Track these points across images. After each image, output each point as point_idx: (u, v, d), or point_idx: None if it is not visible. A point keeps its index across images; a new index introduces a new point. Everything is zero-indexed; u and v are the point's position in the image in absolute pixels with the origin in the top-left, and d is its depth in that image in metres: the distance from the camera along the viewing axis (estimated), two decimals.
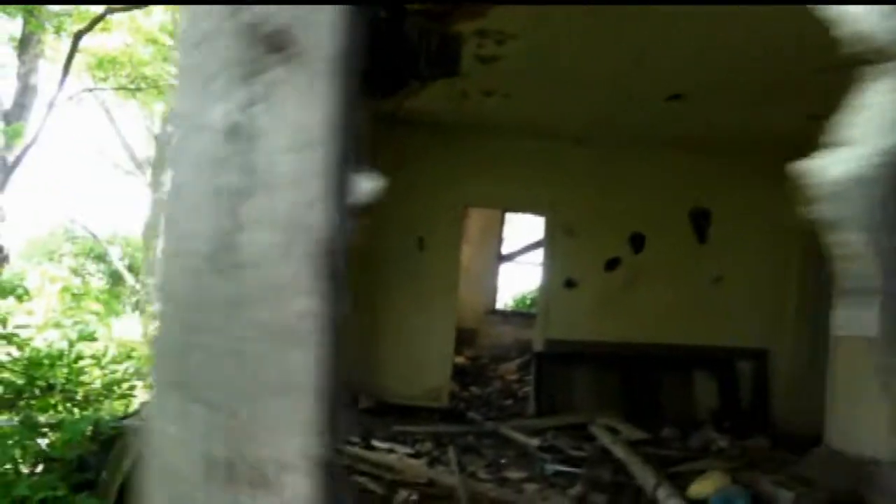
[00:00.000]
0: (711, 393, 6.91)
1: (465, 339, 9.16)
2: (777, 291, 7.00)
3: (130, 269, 13.45)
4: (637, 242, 7.04)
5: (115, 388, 4.57)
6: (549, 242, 7.10)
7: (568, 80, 5.03)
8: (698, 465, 5.04)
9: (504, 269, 10.80)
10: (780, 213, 7.04)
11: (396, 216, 6.92)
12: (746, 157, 6.98)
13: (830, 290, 6.44)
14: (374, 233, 6.91)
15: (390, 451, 4.66)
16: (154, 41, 10.07)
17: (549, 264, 7.08)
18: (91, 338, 4.49)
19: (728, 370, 6.94)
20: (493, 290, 10.63)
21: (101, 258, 13.49)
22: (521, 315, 10.72)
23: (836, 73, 4.37)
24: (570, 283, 7.02)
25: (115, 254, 13.53)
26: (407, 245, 6.96)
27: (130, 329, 8.45)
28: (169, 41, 9.54)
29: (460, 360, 8.78)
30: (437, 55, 4.69)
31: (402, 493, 3.83)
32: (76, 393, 4.53)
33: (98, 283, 13.08)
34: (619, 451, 5.17)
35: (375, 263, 6.89)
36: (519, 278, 11.21)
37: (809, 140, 4.57)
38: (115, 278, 13.11)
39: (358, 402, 6.49)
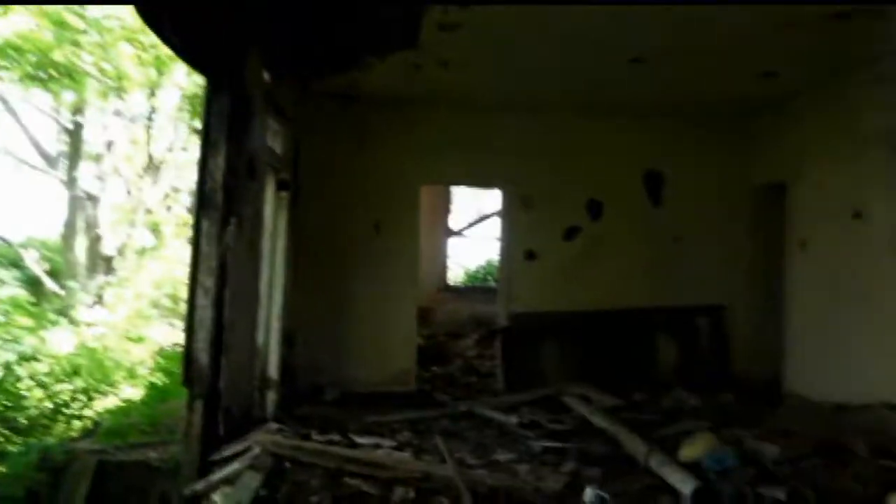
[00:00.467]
0: (674, 353, 7.02)
1: (420, 318, 8.98)
2: (732, 248, 7.15)
3: (50, 273, 12.47)
4: (594, 209, 7.01)
5: (63, 410, 4.14)
6: (508, 215, 6.97)
7: (530, 45, 4.83)
8: (680, 426, 5.07)
9: (453, 245, 10.66)
10: (731, 171, 7.23)
11: (353, 201, 6.64)
12: (697, 118, 7.05)
13: (782, 244, 6.65)
14: (332, 220, 6.60)
15: (376, 446, 4.44)
16: (62, 24, 9.13)
17: (509, 237, 6.96)
18: (32, 358, 4.03)
19: (689, 329, 7.06)
20: (443, 267, 10.47)
21: (15, 264, 12.43)
22: (475, 290, 10.64)
23: (791, 29, 4.39)
24: (530, 255, 6.94)
25: (30, 258, 12.49)
26: (365, 230, 6.67)
27: (65, 340, 7.80)
28: (80, 23, 8.70)
29: (417, 340, 8.61)
30: (397, 27, 4.40)
31: (399, 492, 3.64)
32: (18, 420, 4.08)
33: (14, 291, 12.07)
34: (601, 421, 5.15)
35: (334, 252, 6.60)
36: (468, 253, 11.10)
37: (761, 98, 4.57)
38: (34, 285, 12.12)
39: (323, 395, 6.22)
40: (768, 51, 4.93)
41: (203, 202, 3.82)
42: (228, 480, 3.54)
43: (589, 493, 3.73)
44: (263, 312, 5.40)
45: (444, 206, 10.41)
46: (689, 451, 4.28)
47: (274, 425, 4.49)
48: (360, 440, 4.58)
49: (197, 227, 3.85)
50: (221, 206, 3.79)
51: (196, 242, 3.83)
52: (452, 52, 4.97)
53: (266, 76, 4.48)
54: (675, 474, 3.88)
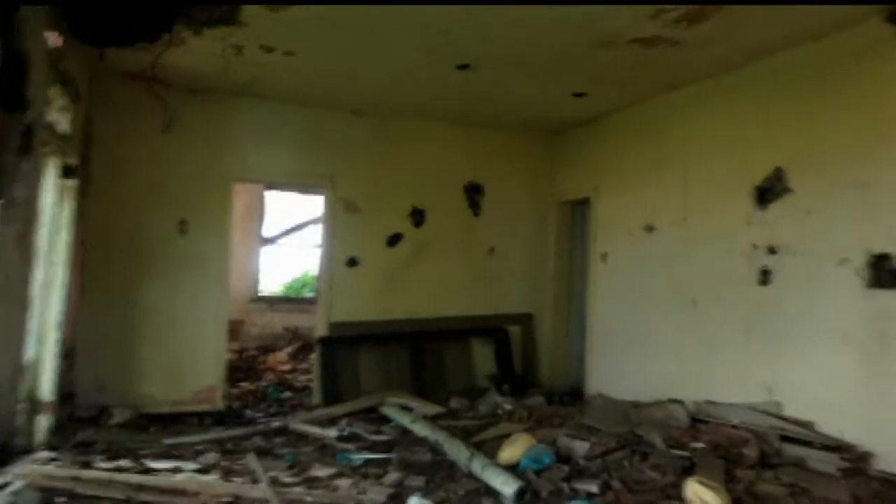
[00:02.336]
0: (489, 359, 7.20)
1: (230, 331, 8.32)
2: (539, 259, 7.55)
3: None
4: (418, 217, 6.99)
5: None
6: (330, 220, 6.68)
7: (359, 39, 4.64)
8: (496, 430, 5.15)
9: (267, 253, 10.06)
10: (541, 185, 7.65)
11: (155, 195, 5.93)
12: (515, 131, 7.38)
13: (585, 258, 7.16)
14: (129, 216, 5.83)
15: (175, 470, 3.89)
16: None
17: (330, 243, 6.67)
18: None
19: (502, 336, 7.29)
20: (256, 276, 9.84)
21: None
22: (290, 301, 10.12)
23: (608, 49, 4.71)
24: (352, 262, 6.71)
25: None
26: (168, 229, 5.98)
27: None
28: None
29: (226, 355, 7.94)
30: None
31: None
32: None
33: None
34: (422, 430, 5.06)
35: (130, 252, 5.82)
36: (283, 262, 10.55)
37: (571, 117, 4.84)
38: None
39: (111, 417, 5.41)
40: (581, 70, 5.25)
41: None
42: None
43: (413, 502, 3.59)
44: (36, 321, 4.55)
45: (257, 212, 9.80)
46: (508, 453, 4.34)
47: (44, 454, 3.75)
48: (155, 465, 4.00)
49: None
50: None
51: None
52: (279, 36, 4.61)
53: (51, 39, 3.79)
54: (497, 477, 3.89)
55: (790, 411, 4.62)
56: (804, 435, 4.34)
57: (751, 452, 4.19)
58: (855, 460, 4.03)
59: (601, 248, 6.84)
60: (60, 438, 4.49)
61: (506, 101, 6.21)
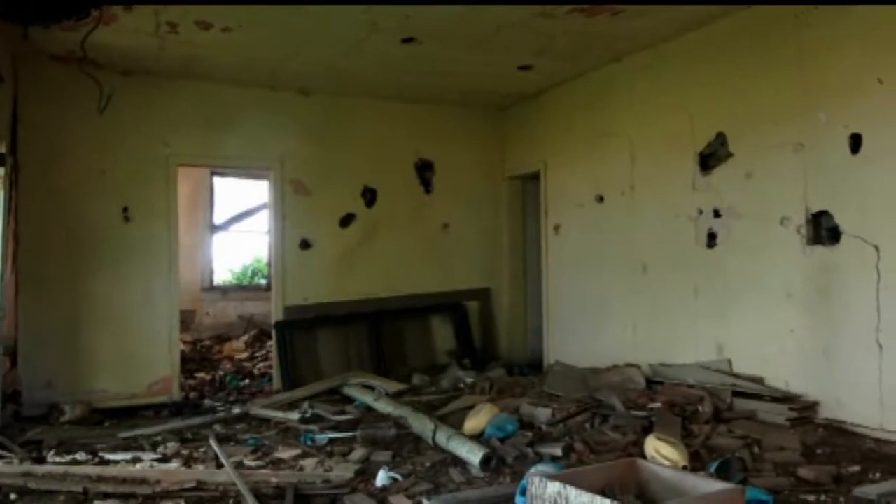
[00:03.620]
0: (448, 335, 7.23)
1: (181, 321, 8.11)
2: (493, 234, 7.59)
3: None
4: (369, 196, 6.93)
5: None
6: (279, 202, 6.54)
7: (297, 12, 4.52)
8: (459, 403, 5.19)
9: (217, 241, 9.81)
10: (491, 160, 7.67)
11: (94, 182, 5.70)
12: (463, 107, 7.36)
13: (538, 231, 7.24)
14: (67, 204, 5.59)
15: (134, 460, 3.79)
16: None
17: (281, 226, 6.54)
18: None
19: (460, 312, 7.32)
20: (208, 264, 9.60)
21: None
22: (243, 288, 9.93)
23: (549, 19, 4.72)
24: (305, 244, 6.61)
25: None
26: (110, 216, 5.76)
27: None
28: None
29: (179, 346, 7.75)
30: None
31: None
32: None
33: None
34: (385, 407, 5.06)
35: (71, 243, 5.59)
36: (234, 250, 10.31)
37: (518, 91, 4.87)
38: None
39: (61, 414, 5.21)
40: (524, 42, 5.26)
41: None
42: None
43: (381, 475, 3.60)
44: None
45: (205, 199, 9.53)
46: (473, 424, 4.38)
47: None
48: (112, 457, 3.89)
49: None
50: None
51: None
52: (214, 11, 4.44)
53: None
54: (463, 446, 3.92)
55: (740, 368, 4.81)
56: (754, 389, 4.53)
57: (705, 409, 4.35)
58: (802, 410, 4.24)
59: (553, 221, 6.92)
60: (7, 438, 4.30)
61: (452, 75, 6.18)
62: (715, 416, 4.31)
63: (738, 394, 4.55)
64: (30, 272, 5.40)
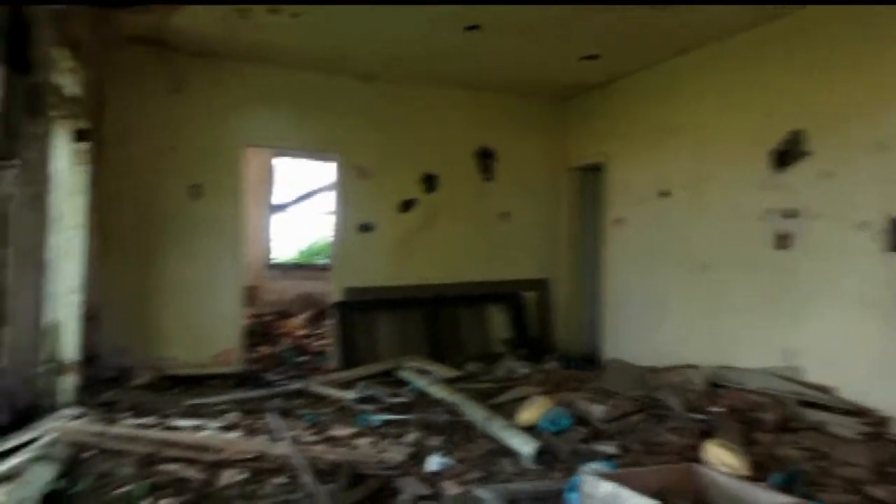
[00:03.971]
0: (504, 325, 7.22)
1: (245, 296, 8.38)
2: (552, 225, 7.51)
3: None
4: (429, 182, 6.96)
5: None
6: (342, 186, 6.65)
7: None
8: (513, 393, 5.19)
9: (280, 220, 10.08)
10: (554, 150, 7.57)
11: (168, 161, 5.92)
12: (526, 96, 7.28)
13: (598, 223, 7.12)
14: (143, 181, 5.84)
15: (199, 428, 3.96)
16: None
17: (343, 209, 6.65)
18: None
19: (517, 302, 7.30)
20: (268, 244, 9.87)
21: None
22: (303, 268, 10.17)
23: (616, 11, 4.59)
24: (365, 228, 6.71)
25: None
26: (182, 194, 5.99)
27: None
28: None
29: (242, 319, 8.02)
30: None
31: (226, 474, 3.25)
32: None
33: None
34: (439, 392, 5.10)
35: (146, 217, 5.84)
36: (294, 230, 10.56)
37: (583, 80, 4.73)
38: None
39: (134, 379, 5.49)
40: (589, 32, 5.15)
41: None
42: (10, 476, 2.91)
43: (433, 460, 3.65)
44: (55, 284, 4.59)
45: (268, 180, 9.79)
46: (526, 415, 4.37)
47: (71, 411, 3.82)
48: (179, 423, 4.07)
49: None
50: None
51: None
52: None
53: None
54: (515, 437, 3.92)
55: (809, 376, 4.62)
56: (823, 399, 4.35)
57: (769, 417, 4.21)
58: (875, 424, 4.04)
59: (615, 214, 6.79)
60: (85, 398, 4.56)
61: (515, 64, 6.12)
62: (780, 425, 4.16)
63: (805, 403, 4.37)
64: (109, 243, 5.67)
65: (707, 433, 3.96)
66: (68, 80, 4.53)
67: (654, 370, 5.64)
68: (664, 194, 6.11)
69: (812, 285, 4.66)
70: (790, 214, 4.84)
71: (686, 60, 5.77)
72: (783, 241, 4.90)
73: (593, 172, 7.26)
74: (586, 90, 7.03)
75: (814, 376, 4.58)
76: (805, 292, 4.72)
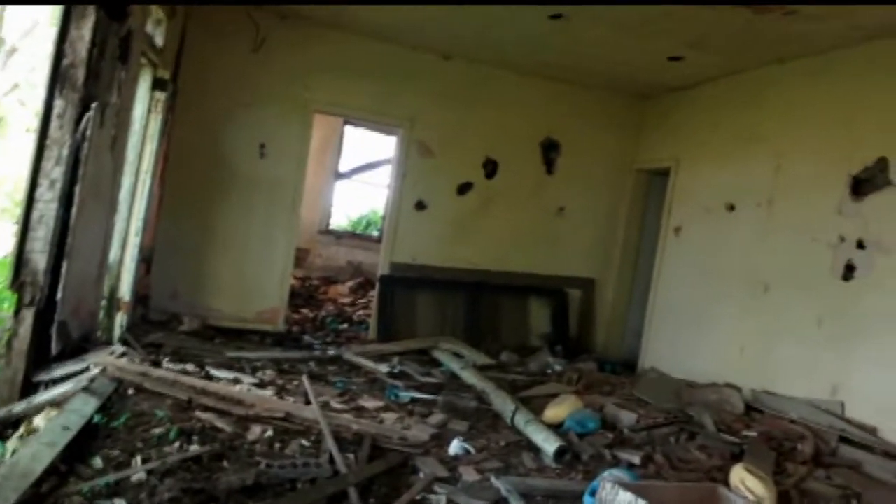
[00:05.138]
0: (545, 319, 7.17)
1: (295, 258, 8.58)
2: (608, 225, 7.37)
3: None
4: (490, 168, 6.92)
5: None
6: (403, 160, 6.69)
7: None
8: (544, 388, 5.16)
9: (339, 187, 10.22)
10: (621, 150, 7.41)
11: (239, 116, 6.07)
12: (601, 91, 7.13)
13: (657, 228, 6.94)
14: (212, 134, 6.01)
15: (235, 381, 4.10)
16: None
17: (401, 183, 6.70)
18: None
19: (560, 298, 7.23)
20: (327, 209, 10.04)
21: None
22: (356, 236, 10.31)
23: (714, 10, 4.43)
24: (420, 205, 6.74)
25: None
26: (248, 151, 6.14)
27: None
28: None
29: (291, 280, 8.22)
30: None
31: (256, 430, 3.37)
32: None
33: None
34: (470, 378, 5.12)
35: (210, 170, 6.03)
36: (352, 198, 10.69)
37: (663, 81, 4.55)
38: None
39: (180, 324, 5.72)
40: (681, 31, 4.98)
41: (57, 79, 3.22)
42: (56, 403, 3.09)
43: (455, 444, 3.67)
44: (121, 225, 4.81)
45: (334, 146, 9.92)
46: (553, 413, 4.35)
47: (119, 348, 4.01)
48: (217, 374, 4.23)
49: (47, 109, 3.25)
50: (82, 86, 3.22)
51: (44, 126, 3.23)
52: None
53: None
54: (540, 433, 3.91)
55: (853, 413, 4.43)
56: (865, 439, 4.17)
57: (805, 448, 4.06)
58: None
59: (675, 222, 6.61)
60: (133, 337, 4.78)
61: (595, 57, 5.98)
62: (815, 458, 4.01)
63: (845, 440, 4.21)
64: (172, 191, 5.88)
65: (737, 456, 3.86)
66: (155, 31, 4.70)
67: (691, 385, 5.52)
68: (731, 207, 5.91)
69: (871, 321, 4.45)
70: (861, 245, 4.61)
71: (779, 70, 5.51)
72: (849, 271, 4.68)
73: (659, 176, 7.07)
74: (666, 91, 6.82)
75: (858, 413, 4.39)
76: (863, 328, 4.50)
